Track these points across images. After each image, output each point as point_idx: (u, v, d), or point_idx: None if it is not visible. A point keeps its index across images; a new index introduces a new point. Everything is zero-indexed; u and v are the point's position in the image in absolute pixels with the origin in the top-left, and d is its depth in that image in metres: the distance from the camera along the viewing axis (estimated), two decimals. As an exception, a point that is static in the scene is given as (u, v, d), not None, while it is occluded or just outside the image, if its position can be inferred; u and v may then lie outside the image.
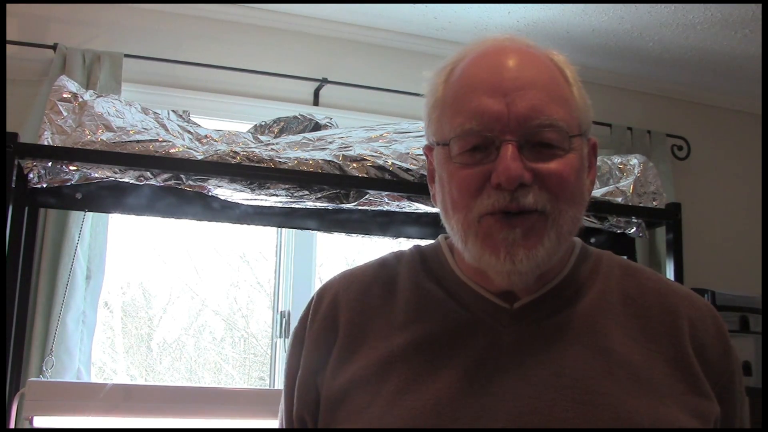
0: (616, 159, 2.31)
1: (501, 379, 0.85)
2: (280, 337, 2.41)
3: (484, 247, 0.86)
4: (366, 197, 1.93)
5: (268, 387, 2.43)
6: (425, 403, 0.85)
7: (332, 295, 0.97)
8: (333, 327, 0.94)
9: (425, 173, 1.88)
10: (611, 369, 0.86)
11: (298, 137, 2.03)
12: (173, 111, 2.08)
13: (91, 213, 2.03)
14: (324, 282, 1.02)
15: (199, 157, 1.80)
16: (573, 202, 0.88)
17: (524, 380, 0.85)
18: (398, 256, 1.00)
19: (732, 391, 0.92)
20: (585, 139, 0.93)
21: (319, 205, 1.93)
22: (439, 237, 1.01)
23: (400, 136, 2.03)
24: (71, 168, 1.76)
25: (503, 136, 0.85)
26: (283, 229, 2.47)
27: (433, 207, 1.94)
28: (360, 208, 1.96)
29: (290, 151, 1.92)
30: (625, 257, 2.30)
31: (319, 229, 2.07)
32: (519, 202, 0.84)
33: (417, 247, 1.01)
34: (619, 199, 2.12)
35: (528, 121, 0.85)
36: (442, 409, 0.84)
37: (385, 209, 1.99)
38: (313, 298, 0.99)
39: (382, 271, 0.98)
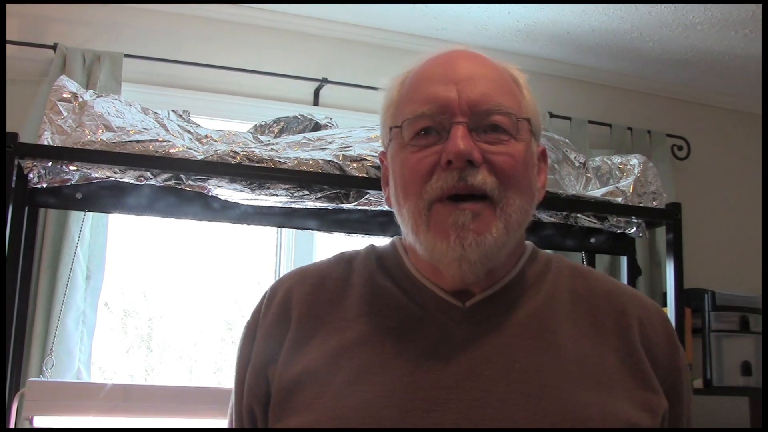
0: (616, 159, 2.31)
1: (452, 373, 0.86)
2: (280, 337, 2.40)
3: (435, 235, 0.88)
4: (366, 197, 1.93)
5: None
6: (376, 394, 0.85)
7: (285, 289, 0.97)
8: (285, 320, 0.94)
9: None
10: (561, 364, 0.88)
11: (298, 137, 2.03)
12: (173, 111, 2.08)
13: (91, 213, 2.03)
14: (279, 277, 1.03)
15: (199, 157, 1.80)
16: (520, 190, 0.90)
17: (475, 374, 0.86)
18: (353, 254, 1.02)
19: (680, 389, 0.94)
20: (534, 140, 0.96)
21: (319, 205, 1.93)
22: (395, 237, 1.03)
23: (400, 136, 2.03)
24: (71, 168, 1.76)
25: (454, 118, 0.89)
26: (283, 229, 2.47)
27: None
28: (360, 208, 1.96)
29: (290, 151, 1.92)
30: (625, 258, 2.32)
31: (319, 229, 2.07)
32: (467, 181, 0.87)
33: (372, 247, 1.03)
34: (619, 199, 2.12)
35: (478, 105, 0.90)
36: (393, 401, 0.85)
37: (385, 209, 1.99)
38: (266, 292, 1.00)
39: (337, 267, 1.00)
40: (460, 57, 0.95)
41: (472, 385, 0.85)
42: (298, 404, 0.88)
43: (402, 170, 0.92)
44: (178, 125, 1.98)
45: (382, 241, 2.21)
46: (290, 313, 0.95)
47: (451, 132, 0.88)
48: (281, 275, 0.99)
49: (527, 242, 1.00)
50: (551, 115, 2.69)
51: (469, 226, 0.87)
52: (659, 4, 2.45)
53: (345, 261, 1.01)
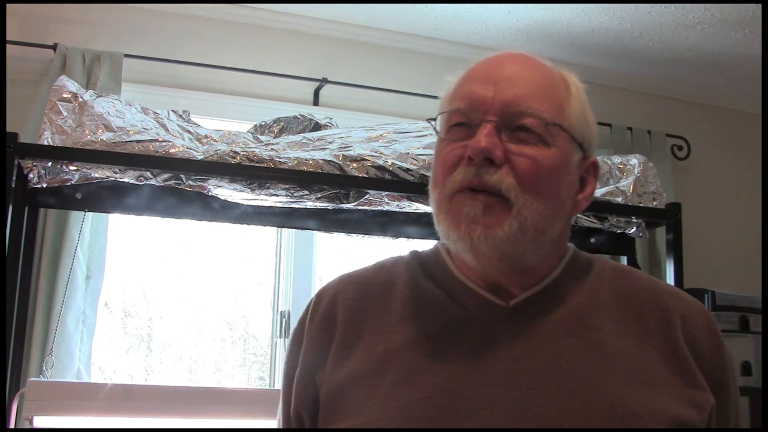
0: (616, 159, 2.31)
1: (498, 372, 0.87)
2: (280, 337, 2.41)
3: (449, 223, 0.90)
4: (366, 197, 1.93)
5: (268, 387, 2.43)
6: (424, 395, 0.87)
7: (330, 295, 0.99)
8: (331, 326, 0.96)
9: (425, 173, 1.89)
10: (606, 361, 0.88)
11: (298, 137, 2.03)
12: (173, 111, 2.08)
13: (91, 213, 2.03)
14: (323, 284, 1.04)
15: (199, 157, 1.80)
16: (540, 195, 0.90)
17: (521, 373, 0.87)
18: (396, 260, 1.03)
19: (726, 386, 0.94)
20: (578, 149, 0.95)
21: (319, 205, 1.93)
22: (437, 242, 1.04)
23: (400, 136, 2.03)
24: (71, 168, 1.76)
25: (484, 116, 0.90)
26: (283, 229, 2.47)
27: (433, 207, 1.94)
28: (360, 208, 1.96)
29: (290, 151, 1.92)
30: (625, 258, 2.32)
31: (319, 229, 2.07)
32: (482, 177, 0.88)
33: (415, 251, 1.04)
34: (619, 199, 2.12)
35: (510, 106, 0.90)
36: (441, 401, 0.86)
37: (385, 209, 1.99)
38: (312, 299, 1.01)
39: (380, 272, 1.01)
40: (508, 59, 0.96)
41: (519, 384, 0.86)
42: (347, 408, 0.90)
43: (435, 161, 0.96)
44: (178, 125, 1.98)
45: (381, 242, 2.22)
46: (336, 319, 0.96)
47: (479, 129, 0.90)
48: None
49: (569, 244, 1.01)
50: (551, 115, 2.69)
51: (478, 219, 0.88)
52: (659, 4, 2.44)
53: (388, 266, 1.02)
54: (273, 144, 1.98)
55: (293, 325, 1.02)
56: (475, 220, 0.88)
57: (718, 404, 0.91)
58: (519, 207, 0.88)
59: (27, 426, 1.67)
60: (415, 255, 1.03)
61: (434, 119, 0.97)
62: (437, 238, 0.99)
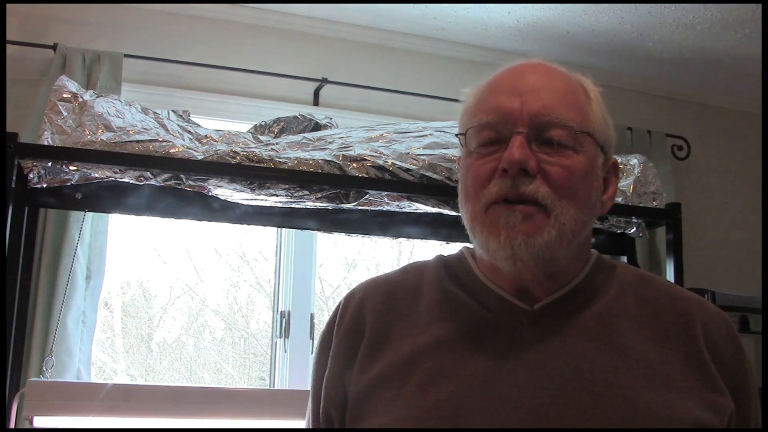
0: (617, 159, 2.31)
1: (522, 374, 0.90)
2: (280, 337, 2.41)
3: (488, 234, 0.92)
4: (366, 197, 1.93)
5: (268, 387, 2.43)
6: (450, 395, 0.89)
7: (359, 299, 1.02)
8: (359, 328, 0.98)
9: (425, 173, 1.89)
10: (628, 365, 0.90)
11: (298, 137, 2.03)
12: (173, 111, 2.08)
13: (91, 213, 2.03)
14: (352, 288, 1.06)
15: (199, 157, 1.80)
16: (575, 201, 0.93)
17: (544, 374, 0.89)
18: (422, 264, 1.06)
19: (746, 391, 0.95)
20: (600, 151, 0.98)
21: (319, 205, 1.93)
22: (462, 247, 1.07)
23: (400, 136, 2.03)
24: (71, 168, 1.76)
25: (515, 128, 0.92)
26: (283, 229, 2.47)
27: (433, 207, 1.94)
28: (360, 208, 1.96)
29: (290, 151, 1.92)
30: (625, 258, 2.32)
31: (319, 229, 2.07)
32: (519, 188, 0.90)
33: (440, 256, 1.07)
34: (619, 199, 2.12)
35: (539, 117, 0.92)
36: (466, 401, 0.88)
37: (385, 209, 1.99)
38: (340, 303, 1.04)
39: (407, 277, 1.04)
40: (529, 69, 0.98)
41: (542, 386, 0.88)
42: (374, 407, 0.92)
43: (465, 175, 0.97)
44: (178, 125, 1.98)
45: (381, 242, 2.21)
46: (364, 323, 0.99)
47: (510, 141, 0.92)
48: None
49: (593, 250, 1.03)
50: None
51: (519, 227, 0.90)
52: (659, 4, 2.45)
53: (415, 270, 1.05)
54: (273, 144, 1.98)
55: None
56: (515, 229, 0.90)
57: (738, 409, 0.93)
58: (557, 214, 0.91)
59: (27, 426, 1.67)
60: (441, 259, 1.05)
61: (464, 134, 0.98)
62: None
